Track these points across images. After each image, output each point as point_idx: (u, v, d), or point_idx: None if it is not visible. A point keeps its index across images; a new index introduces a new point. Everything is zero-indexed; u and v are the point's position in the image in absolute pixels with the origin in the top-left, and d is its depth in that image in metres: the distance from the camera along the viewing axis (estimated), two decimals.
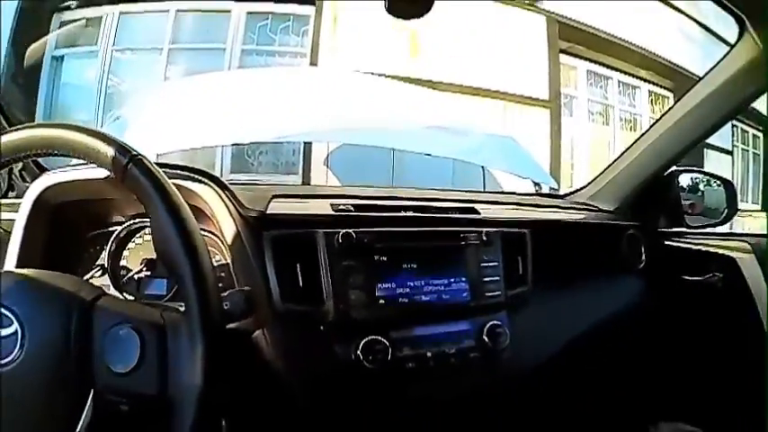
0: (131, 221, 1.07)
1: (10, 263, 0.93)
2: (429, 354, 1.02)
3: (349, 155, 4.26)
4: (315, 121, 2.33)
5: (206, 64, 5.14)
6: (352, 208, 1.10)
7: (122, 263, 1.06)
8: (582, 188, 1.63)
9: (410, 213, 1.13)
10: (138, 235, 1.08)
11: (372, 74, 4.02)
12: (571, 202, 1.59)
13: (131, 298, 1.04)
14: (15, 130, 0.64)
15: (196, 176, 0.99)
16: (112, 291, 1.03)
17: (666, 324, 1.46)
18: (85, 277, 1.02)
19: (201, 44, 5.26)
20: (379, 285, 1.00)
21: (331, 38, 4.93)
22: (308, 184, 4.28)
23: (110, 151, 0.61)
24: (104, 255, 1.05)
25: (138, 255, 1.06)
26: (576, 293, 1.33)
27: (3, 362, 0.57)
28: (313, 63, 4.87)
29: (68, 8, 5.44)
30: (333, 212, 1.07)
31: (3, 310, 0.58)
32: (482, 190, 3.44)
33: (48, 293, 0.61)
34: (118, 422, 0.61)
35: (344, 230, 0.99)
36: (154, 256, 1.05)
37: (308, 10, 5.16)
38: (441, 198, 1.31)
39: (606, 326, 1.34)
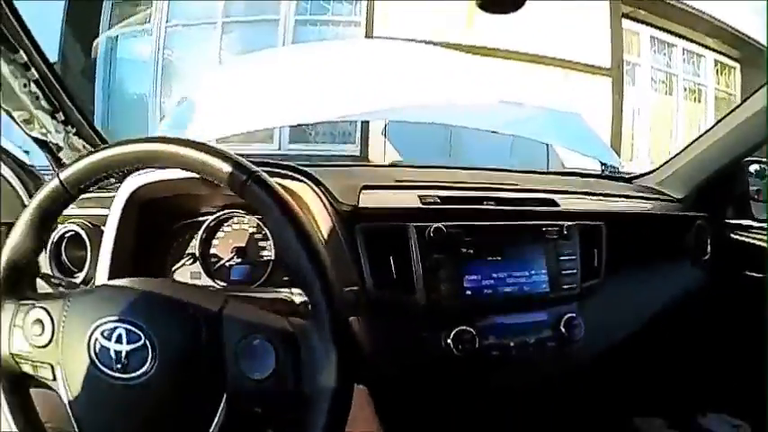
0: (221, 212, 1.13)
1: (105, 255, 1.01)
2: (512, 343, 1.08)
3: (406, 126, 4.23)
4: (373, 99, 2.31)
5: (260, 35, 5.19)
6: (438, 200, 1.14)
7: (212, 251, 1.13)
8: (650, 173, 1.63)
9: (493, 206, 1.17)
10: (227, 224, 1.14)
11: (429, 43, 3.95)
12: (639, 187, 1.58)
13: (223, 284, 1.11)
14: (134, 142, 0.68)
15: (294, 175, 1.05)
16: (204, 278, 1.12)
17: (726, 317, 1.48)
18: (176, 266, 1.13)
19: (255, 16, 5.25)
20: (466, 277, 1.06)
21: (385, 5, 4.85)
22: (366, 158, 4.30)
23: (227, 168, 0.64)
24: (195, 243, 1.12)
25: (227, 243, 1.13)
26: (642, 283, 1.36)
27: (134, 375, 0.60)
28: (368, 32, 4.79)
29: None
30: (422, 205, 1.12)
31: (129, 326, 0.60)
32: (546, 169, 3.41)
33: (173, 306, 0.63)
34: (250, 423, 0.66)
35: (436, 225, 1.04)
36: (243, 244, 1.12)
37: None
38: (517, 186, 1.31)
39: (668, 316, 1.37)
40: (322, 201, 1.04)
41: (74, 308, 0.64)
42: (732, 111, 1.37)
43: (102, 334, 0.61)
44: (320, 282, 0.62)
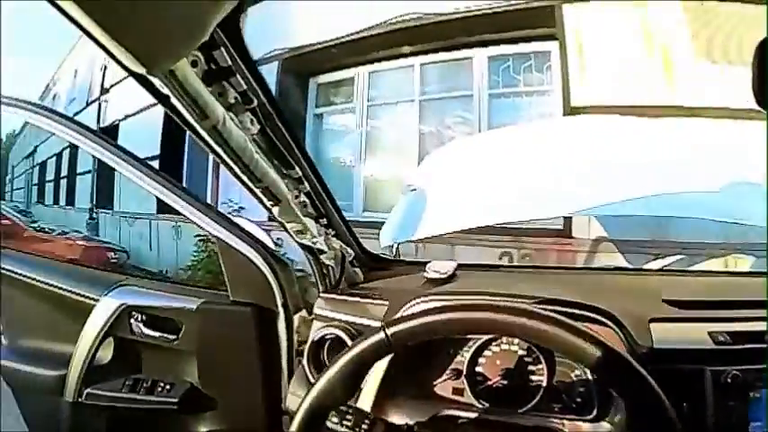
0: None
1: (378, 371, 1.04)
2: None
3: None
4: (578, 191, 2.15)
5: (456, 110, 5.40)
6: (729, 338, 1.05)
7: (477, 368, 1.10)
8: None
9: None
10: (495, 343, 1.10)
11: (628, 108, 3.69)
12: None
13: (486, 405, 1.07)
14: (478, 309, 0.67)
15: (599, 318, 1.03)
16: (467, 395, 1.09)
17: None
18: (439, 380, 1.11)
19: (449, 93, 5.46)
20: (752, 424, 0.99)
21: (579, 70, 4.65)
22: (570, 233, 4.11)
23: (595, 352, 0.66)
24: (461, 360, 1.11)
25: (494, 363, 1.11)
26: None
27: None
28: (565, 99, 4.63)
29: (322, 72, 6.18)
30: (715, 346, 1.04)
31: None
32: None
33: None
34: None
35: (733, 371, 0.98)
36: (511, 366, 1.09)
37: (549, 45, 4.96)
38: None
39: None
40: (623, 341, 1.01)
41: None
42: None
43: None
44: None
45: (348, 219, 1.33)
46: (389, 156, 5.78)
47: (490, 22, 4.99)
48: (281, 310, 1.32)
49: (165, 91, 0.67)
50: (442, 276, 1.29)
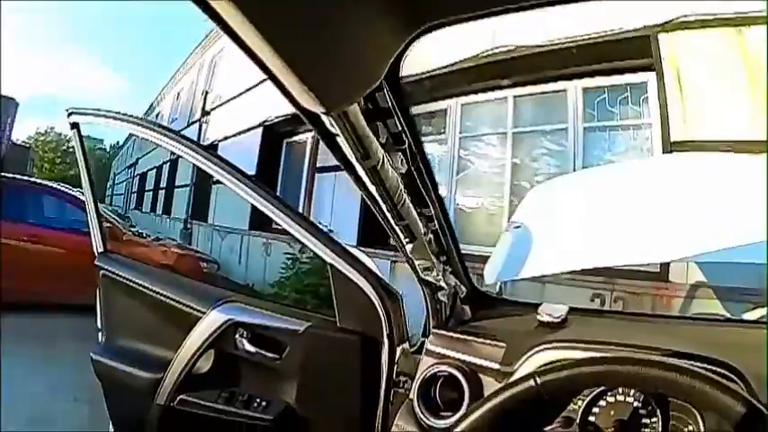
0: None
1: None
2: None
3: None
4: (678, 235, 2.04)
5: (549, 143, 5.32)
6: None
7: (590, 418, 1.05)
8: None
9: None
10: (610, 393, 1.04)
11: (731, 143, 3.58)
12: None
13: None
14: (626, 362, 0.66)
15: (726, 373, 0.95)
16: None
17: None
18: (549, 427, 1.06)
19: (543, 126, 5.38)
20: None
21: (678, 101, 4.40)
22: (667, 277, 3.90)
23: (743, 410, 0.66)
24: (574, 408, 1.06)
25: (608, 413, 1.03)
26: None
27: None
28: (664, 132, 4.40)
29: (415, 104, 6.14)
30: None
31: None
32: None
33: None
34: None
35: None
36: (625, 418, 1.02)
37: (645, 76, 4.76)
38: None
39: None
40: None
41: None
42: None
43: None
44: None
45: None
46: (480, 187, 5.80)
47: (584, 54, 4.89)
48: (386, 340, 1.32)
49: (334, 130, 0.69)
50: (556, 320, 1.26)
